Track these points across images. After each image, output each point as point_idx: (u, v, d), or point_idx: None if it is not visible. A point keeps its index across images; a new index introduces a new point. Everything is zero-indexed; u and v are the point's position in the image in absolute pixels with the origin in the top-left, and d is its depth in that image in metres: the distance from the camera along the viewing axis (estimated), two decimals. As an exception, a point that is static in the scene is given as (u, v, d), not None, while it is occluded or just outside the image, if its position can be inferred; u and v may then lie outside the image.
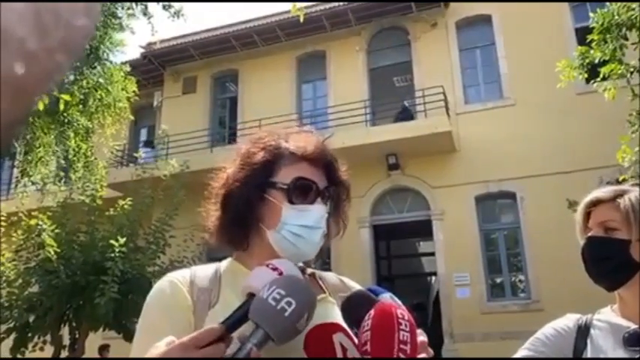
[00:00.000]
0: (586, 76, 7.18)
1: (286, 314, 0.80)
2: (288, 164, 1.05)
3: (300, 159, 1.05)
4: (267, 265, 0.90)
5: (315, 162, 1.06)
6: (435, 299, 12.63)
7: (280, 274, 0.88)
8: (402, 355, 0.82)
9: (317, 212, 1.02)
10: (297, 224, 1.01)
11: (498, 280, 11.23)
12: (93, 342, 8.11)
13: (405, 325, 0.85)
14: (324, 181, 1.07)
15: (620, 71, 6.57)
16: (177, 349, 0.77)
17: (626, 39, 6.59)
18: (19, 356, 7.48)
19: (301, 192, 1.03)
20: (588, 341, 1.33)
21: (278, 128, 1.15)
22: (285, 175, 1.04)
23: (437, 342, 10.30)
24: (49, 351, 7.62)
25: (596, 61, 6.75)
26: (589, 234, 1.35)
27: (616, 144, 6.94)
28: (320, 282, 1.10)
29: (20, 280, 7.53)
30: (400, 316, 0.86)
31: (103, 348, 9.63)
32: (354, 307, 0.94)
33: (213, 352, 0.78)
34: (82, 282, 7.21)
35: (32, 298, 7.41)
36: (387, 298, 0.97)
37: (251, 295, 0.86)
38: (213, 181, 1.11)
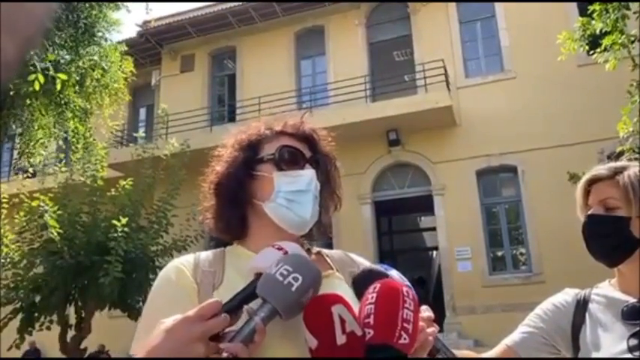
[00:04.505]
0: (587, 47, 7.09)
1: (293, 289, 0.82)
2: (270, 140, 1.10)
3: (281, 133, 1.11)
4: (273, 246, 0.93)
5: (295, 135, 1.11)
6: (437, 273, 12.73)
7: (285, 253, 0.91)
8: (403, 334, 0.83)
9: (307, 176, 1.06)
10: (290, 190, 1.04)
11: (500, 254, 11.30)
12: (99, 321, 8.21)
13: (410, 304, 0.85)
14: (308, 151, 1.11)
15: (620, 41, 6.49)
16: (182, 322, 0.79)
17: (628, 8, 6.49)
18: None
19: (289, 159, 1.07)
20: (587, 315, 1.34)
21: (273, 114, 1.18)
22: (269, 149, 1.09)
23: (439, 315, 10.41)
24: (55, 330, 7.71)
25: (598, 32, 6.66)
26: (589, 212, 1.34)
27: (617, 116, 6.89)
28: (327, 259, 1.13)
29: (25, 261, 7.56)
30: (406, 294, 0.86)
31: None
32: (366, 281, 0.96)
33: (218, 324, 0.80)
34: (86, 262, 7.25)
35: (37, 279, 7.46)
36: (394, 275, 0.98)
37: (258, 275, 0.88)
38: (205, 182, 1.14)
